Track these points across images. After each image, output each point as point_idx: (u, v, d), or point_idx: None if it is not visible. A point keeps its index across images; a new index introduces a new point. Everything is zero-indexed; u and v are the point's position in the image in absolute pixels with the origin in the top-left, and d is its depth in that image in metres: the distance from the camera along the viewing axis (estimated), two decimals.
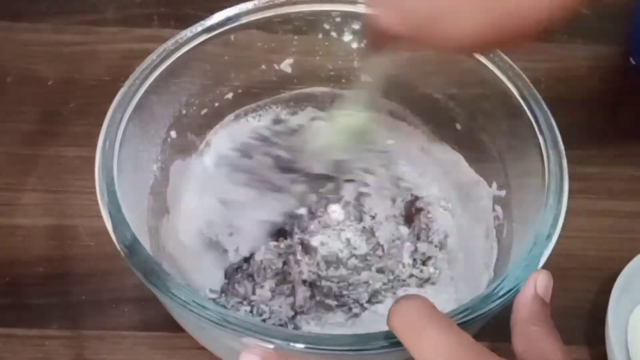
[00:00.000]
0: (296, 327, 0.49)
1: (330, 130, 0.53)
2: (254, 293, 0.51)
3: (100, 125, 0.46)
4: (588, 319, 0.53)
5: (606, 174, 0.60)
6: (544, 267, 0.41)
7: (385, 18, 0.42)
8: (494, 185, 0.52)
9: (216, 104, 0.56)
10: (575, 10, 0.39)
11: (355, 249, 0.53)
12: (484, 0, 0.38)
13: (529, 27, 0.39)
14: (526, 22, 0.38)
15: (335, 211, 0.55)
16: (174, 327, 0.47)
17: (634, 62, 0.68)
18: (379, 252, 0.53)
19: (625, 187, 0.60)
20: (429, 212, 0.55)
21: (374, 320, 0.50)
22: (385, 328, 0.36)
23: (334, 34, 0.55)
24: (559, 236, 0.42)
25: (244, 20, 0.52)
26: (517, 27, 0.39)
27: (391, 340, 0.36)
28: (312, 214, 0.54)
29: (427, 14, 0.40)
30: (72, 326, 0.52)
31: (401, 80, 0.54)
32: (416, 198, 0.56)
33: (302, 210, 0.54)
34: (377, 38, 0.45)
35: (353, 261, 0.52)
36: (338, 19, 0.55)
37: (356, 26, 0.55)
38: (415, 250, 0.53)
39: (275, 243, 0.53)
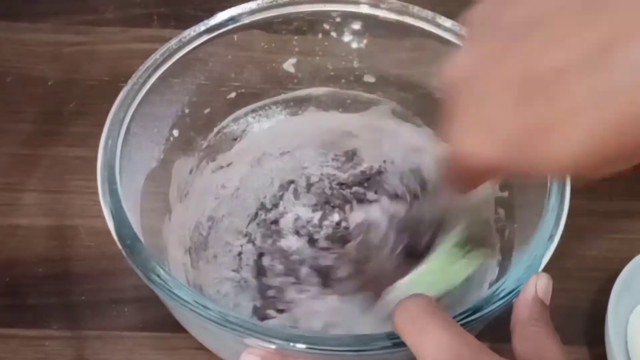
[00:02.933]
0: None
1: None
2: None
3: (100, 125, 0.46)
4: (588, 319, 0.53)
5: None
6: (545, 267, 0.41)
7: (475, 146, 0.31)
8: (496, 186, 0.52)
9: (218, 104, 0.56)
10: None
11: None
12: (620, 84, 0.27)
13: None
14: None
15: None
16: (174, 327, 0.47)
17: None
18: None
19: (625, 187, 0.60)
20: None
21: None
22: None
23: (334, 34, 0.55)
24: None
25: (246, 20, 0.52)
26: None
27: (393, 341, 0.36)
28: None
29: (527, 128, 0.29)
30: (72, 326, 0.51)
31: (402, 81, 0.55)
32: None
33: None
34: (465, 175, 0.35)
35: None
36: (338, 19, 0.55)
37: (356, 26, 0.55)
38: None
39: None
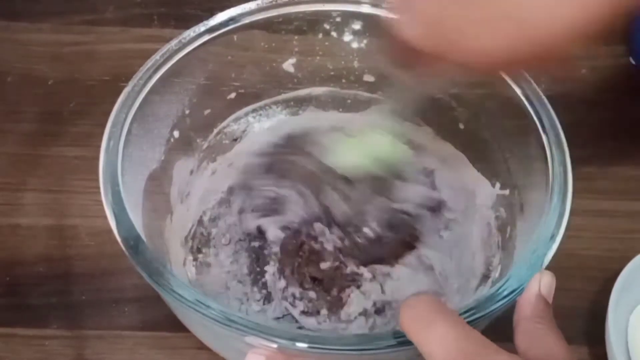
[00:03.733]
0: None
1: (356, 152, 0.53)
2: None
3: (101, 125, 0.46)
4: (588, 319, 0.53)
5: (606, 173, 0.60)
6: (545, 267, 0.41)
7: (410, 30, 0.40)
8: (498, 184, 0.53)
9: (219, 104, 0.56)
10: (607, 23, 0.37)
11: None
12: (513, 11, 0.37)
13: (561, 38, 0.37)
14: (558, 33, 0.37)
15: None
16: (175, 327, 0.47)
17: (634, 62, 0.68)
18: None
19: (625, 187, 0.60)
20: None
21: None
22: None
23: (334, 34, 0.56)
24: None
25: (246, 20, 0.52)
26: (548, 39, 0.37)
27: (398, 339, 0.36)
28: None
29: (454, 25, 0.38)
30: (72, 326, 0.52)
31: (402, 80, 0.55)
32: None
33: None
34: (401, 53, 0.42)
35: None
36: (338, 19, 0.55)
37: (356, 26, 0.55)
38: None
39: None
